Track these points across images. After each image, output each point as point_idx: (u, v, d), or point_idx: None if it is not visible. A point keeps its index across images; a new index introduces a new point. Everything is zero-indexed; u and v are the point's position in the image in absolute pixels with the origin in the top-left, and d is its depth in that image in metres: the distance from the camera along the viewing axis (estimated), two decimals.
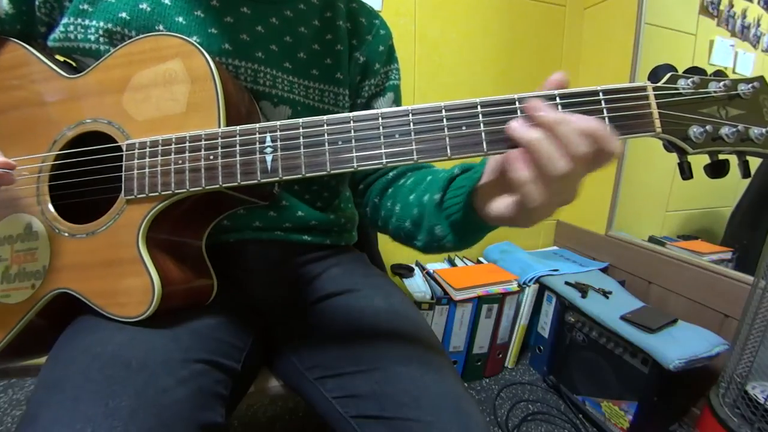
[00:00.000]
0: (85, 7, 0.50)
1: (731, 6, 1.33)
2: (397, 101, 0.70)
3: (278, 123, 0.41)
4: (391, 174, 0.63)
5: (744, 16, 1.33)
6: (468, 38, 1.50)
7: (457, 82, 1.51)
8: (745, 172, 0.37)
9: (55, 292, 0.47)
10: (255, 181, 0.41)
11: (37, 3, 0.51)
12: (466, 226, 0.46)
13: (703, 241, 1.40)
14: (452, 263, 1.57)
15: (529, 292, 1.41)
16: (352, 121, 0.40)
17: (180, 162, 0.43)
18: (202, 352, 0.47)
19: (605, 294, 1.29)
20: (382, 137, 0.39)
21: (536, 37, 1.59)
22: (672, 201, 1.51)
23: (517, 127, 0.36)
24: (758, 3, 1.32)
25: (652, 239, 1.45)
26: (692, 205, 1.52)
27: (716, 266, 1.18)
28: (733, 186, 1.33)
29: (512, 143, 0.37)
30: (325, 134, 0.40)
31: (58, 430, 0.35)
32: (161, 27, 0.51)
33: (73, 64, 0.54)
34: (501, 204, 0.39)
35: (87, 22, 0.50)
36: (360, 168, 0.39)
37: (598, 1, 1.56)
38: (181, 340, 0.46)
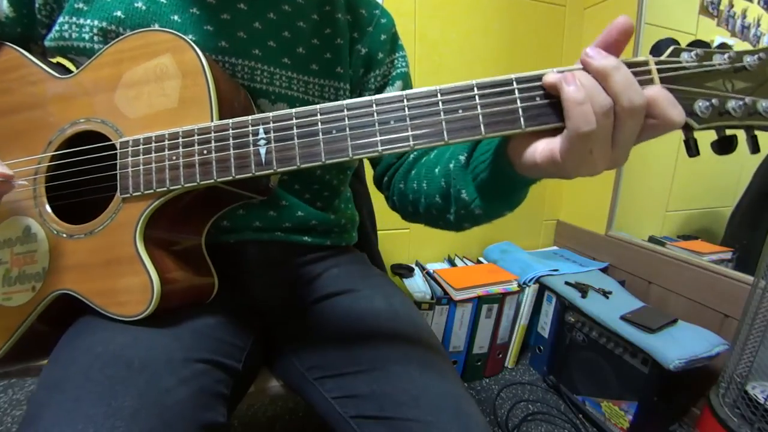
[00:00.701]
0: (80, 5, 0.50)
1: (731, 6, 1.32)
2: (406, 89, 0.68)
3: (271, 114, 0.41)
4: (411, 156, 0.61)
5: (744, 16, 1.33)
6: (468, 38, 1.50)
7: (457, 82, 1.51)
8: (755, 147, 0.35)
9: (55, 294, 0.47)
10: (250, 174, 0.41)
11: (37, 5, 0.51)
12: (495, 186, 0.44)
13: (703, 241, 1.39)
14: (452, 263, 1.57)
15: (529, 292, 1.41)
16: (345, 110, 0.39)
17: (174, 158, 0.43)
18: (204, 352, 0.47)
19: (605, 294, 1.29)
20: (376, 124, 0.38)
21: (536, 37, 1.59)
22: (672, 201, 1.50)
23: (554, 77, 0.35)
24: (758, 3, 1.32)
25: (652, 239, 1.45)
26: (692, 205, 1.51)
27: (716, 266, 1.18)
28: (733, 186, 1.33)
29: (514, 125, 0.36)
30: (319, 124, 0.39)
31: (59, 430, 0.35)
32: (156, 26, 0.51)
33: (68, 65, 0.54)
34: (547, 145, 0.36)
35: (82, 20, 0.50)
36: (355, 157, 0.39)
37: (598, 1, 1.56)
38: (182, 340, 0.46)
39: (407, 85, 0.69)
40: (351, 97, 0.64)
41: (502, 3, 1.51)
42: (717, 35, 1.34)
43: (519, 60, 1.58)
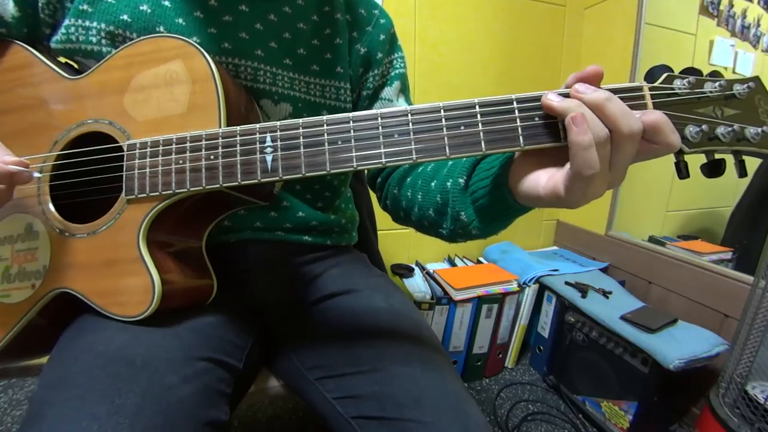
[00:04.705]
0: (85, 7, 0.50)
1: (731, 6, 1.32)
2: (404, 90, 0.69)
3: (278, 123, 0.41)
4: None
5: (744, 16, 1.33)
6: (468, 38, 1.50)
7: (457, 82, 1.51)
8: (742, 171, 0.37)
9: (55, 292, 0.47)
10: (255, 181, 0.42)
11: (40, 4, 0.51)
12: (494, 211, 0.45)
13: (703, 241, 1.39)
14: (452, 263, 1.57)
15: (529, 292, 1.41)
16: (351, 121, 0.40)
17: (181, 162, 0.43)
18: (205, 350, 0.47)
19: (605, 294, 1.29)
20: (381, 137, 0.39)
21: (536, 37, 1.59)
22: (672, 201, 1.51)
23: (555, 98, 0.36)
24: (758, 3, 1.32)
25: (652, 239, 1.45)
26: (692, 205, 1.51)
27: (716, 266, 1.18)
28: (733, 186, 1.33)
29: (513, 143, 0.37)
30: (325, 134, 0.40)
31: (63, 428, 0.35)
32: (162, 29, 0.51)
33: (75, 66, 0.54)
34: (550, 179, 0.37)
35: (88, 23, 0.50)
36: (359, 167, 0.40)
37: (598, 1, 1.56)
38: (183, 339, 0.46)
39: (405, 85, 0.69)
40: (351, 96, 0.64)
41: (502, 3, 1.51)
42: (717, 35, 1.34)
43: (519, 60, 1.59)
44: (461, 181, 0.48)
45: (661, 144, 0.35)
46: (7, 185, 0.43)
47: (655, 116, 0.34)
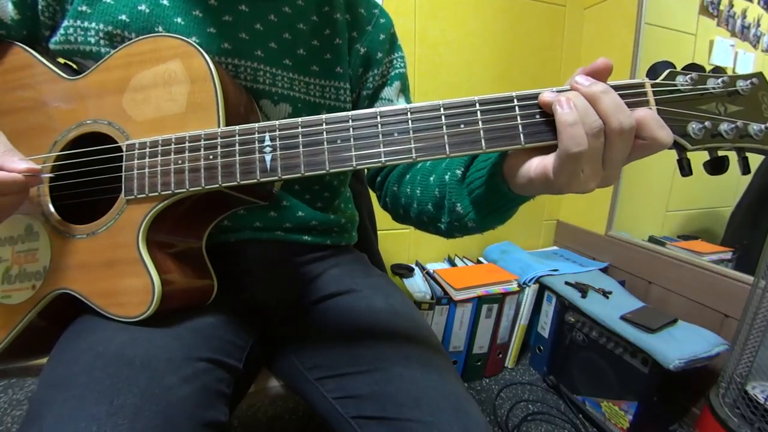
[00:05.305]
0: (84, 8, 0.50)
1: (731, 6, 1.33)
2: (404, 90, 0.69)
3: (277, 122, 0.41)
4: None
5: (744, 16, 1.33)
6: (468, 38, 1.50)
7: (457, 82, 1.51)
8: (745, 168, 0.37)
9: (55, 293, 0.47)
10: (254, 181, 0.41)
11: (40, 7, 0.51)
12: (489, 202, 0.45)
13: (703, 241, 1.40)
14: (452, 263, 1.57)
15: (529, 292, 1.41)
16: (350, 120, 0.40)
17: (180, 162, 0.43)
18: (205, 351, 0.47)
19: (605, 294, 1.29)
20: (380, 136, 0.39)
21: (536, 37, 1.59)
22: (672, 201, 1.51)
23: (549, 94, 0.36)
24: (758, 3, 1.32)
25: (652, 239, 1.45)
26: (692, 205, 1.52)
27: (716, 266, 1.18)
28: (734, 186, 1.33)
29: (514, 140, 0.37)
30: (324, 133, 0.40)
31: (62, 429, 0.35)
32: (160, 28, 0.51)
33: (75, 66, 0.54)
34: (541, 162, 0.37)
35: (86, 24, 0.50)
36: (359, 167, 0.39)
37: (598, 1, 1.56)
38: (183, 339, 0.46)
39: (405, 85, 0.69)
40: (351, 97, 0.64)
41: (502, 3, 1.51)
42: (717, 35, 1.34)
43: (519, 61, 1.59)
44: (458, 172, 0.48)
45: (648, 139, 0.35)
46: (20, 191, 0.43)
47: (641, 113, 0.34)
